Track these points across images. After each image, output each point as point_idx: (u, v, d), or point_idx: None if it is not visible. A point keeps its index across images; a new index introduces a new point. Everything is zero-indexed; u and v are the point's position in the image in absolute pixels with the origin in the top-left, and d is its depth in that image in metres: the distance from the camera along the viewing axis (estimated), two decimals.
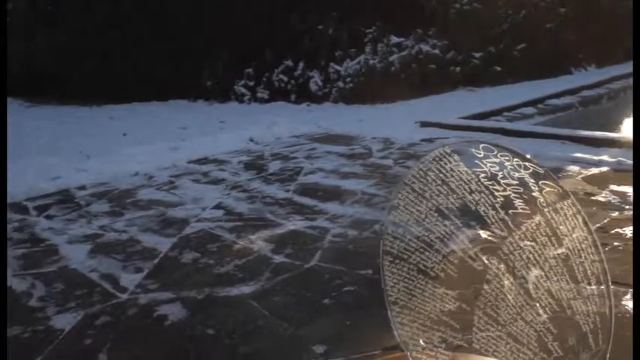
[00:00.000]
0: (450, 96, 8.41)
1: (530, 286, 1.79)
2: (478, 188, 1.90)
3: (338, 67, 8.59)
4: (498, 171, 1.82)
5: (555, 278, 1.73)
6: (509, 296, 1.84)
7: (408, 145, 5.57)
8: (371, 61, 8.39)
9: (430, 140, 5.60)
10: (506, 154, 1.80)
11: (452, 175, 1.96)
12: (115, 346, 2.47)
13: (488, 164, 1.84)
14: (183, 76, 9.15)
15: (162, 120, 7.97)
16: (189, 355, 2.38)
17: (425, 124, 6.29)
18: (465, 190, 1.94)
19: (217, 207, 4.21)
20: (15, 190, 4.87)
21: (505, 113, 6.76)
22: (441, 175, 1.99)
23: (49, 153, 6.20)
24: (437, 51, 8.56)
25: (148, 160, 5.65)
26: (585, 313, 1.65)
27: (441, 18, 8.71)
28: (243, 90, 8.99)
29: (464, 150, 1.91)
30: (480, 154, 1.86)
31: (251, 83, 9.03)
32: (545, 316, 1.75)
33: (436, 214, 2.07)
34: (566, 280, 1.70)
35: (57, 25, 9.76)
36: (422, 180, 2.05)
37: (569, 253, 1.71)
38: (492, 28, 8.98)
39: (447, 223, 2.06)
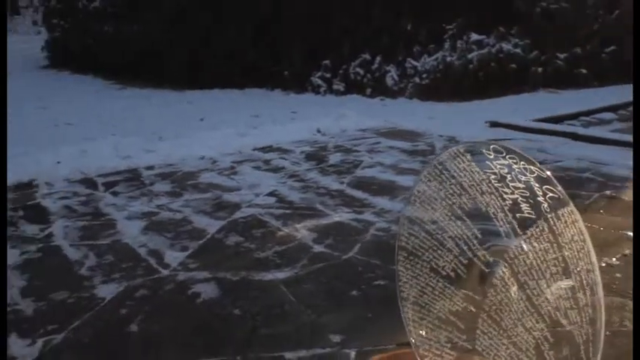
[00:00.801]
0: (529, 97, 8.16)
1: (532, 293, 1.75)
2: (489, 190, 1.88)
3: (415, 63, 8.52)
4: (507, 173, 1.80)
5: (552, 289, 1.69)
6: (512, 301, 1.81)
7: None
8: (448, 58, 8.26)
9: (496, 141, 5.47)
10: (514, 156, 1.77)
11: (465, 175, 1.95)
12: (147, 318, 2.61)
13: (498, 166, 1.82)
14: (263, 66, 9.34)
15: (238, 107, 8.18)
16: (213, 331, 2.48)
17: (494, 125, 6.15)
18: (477, 190, 1.93)
19: (271, 194, 4.31)
20: (89, 166, 5.18)
21: (582, 118, 6.49)
22: (455, 175, 1.98)
23: (128, 133, 6.52)
24: (519, 50, 8.31)
25: (216, 145, 5.83)
26: (580, 324, 1.61)
27: (526, 16, 8.45)
28: (319, 81, 9.08)
29: (477, 150, 1.89)
30: (491, 155, 1.84)
31: (327, 75, 9.10)
32: (543, 324, 1.71)
33: (449, 213, 2.06)
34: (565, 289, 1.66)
35: (152, 10, 10.20)
36: (437, 178, 2.04)
37: (568, 262, 1.67)
38: (580, 29, 8.62)
39: (459, 223, 2.04)
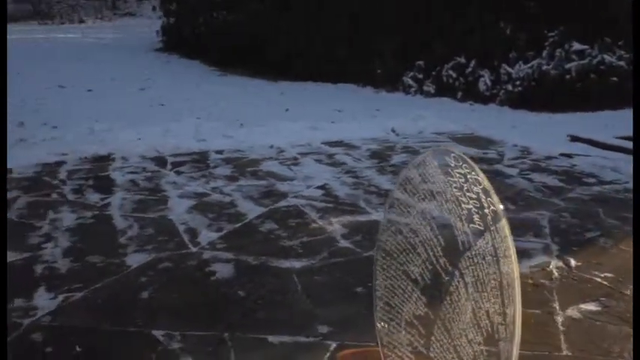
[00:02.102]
0: (627, 112, 7.68)
1: (475, 305, 1.74)
2: (451, 198, 1.88)
3: (509, 69, 8.27)
4: (464, 183, 1.80)
5: (492, 300, 1.67)
6: (462, 311, 1.81)
7: (544, 157, 5.28)
8: (544, 66, 7.95)
9: (569, 156, 5.25)
10: (468, 166, 1.77)
11: (433, 182, 1.96)
12: (160, 288, 2.80)
13: (457, 175, 1.82)
14: (357, 62, 9.43)
15: (325, 101, 8.32)
16: (213, 308, 2.62)
17: (575, 139, 5.88)
18: (443, 197, 1.93)
19: (321, 187, 4.40)
20: (165, 145, 5.52)
21: None
22: (426, 180, 2.00)
23: (213, 118, 6.85)
24: (622, 63, 7.85)
25: (289, 135, 6.00)
26: (505, 340, 1.59)
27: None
28: (410, 82, 9.04)
29: (442, 158, 1.90)
30: (452, 163, 1.84)
31: (420, 76, 9.03)
32: (481, 337, 1.70)
33: (421, 218, 2.07)
34: (499, 304, 1.64)
35: (258, 1, 10.55)
36: (411, 183, 2.06)
37: (503, 276, 1.65)
38: None
39: (428, 228, 2.05)
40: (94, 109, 7.00)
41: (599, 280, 2.94)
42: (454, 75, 8.74)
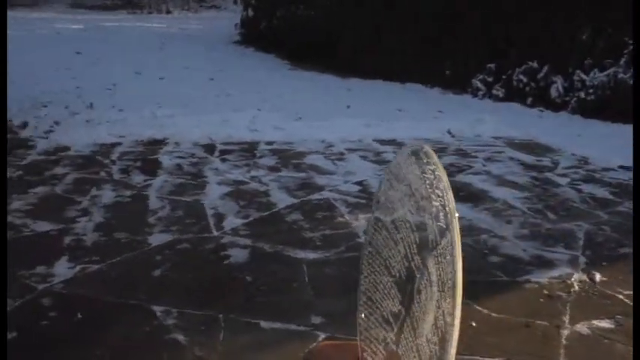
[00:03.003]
0: None
1: (437, 304, 1.71)
2: (425, 194, 1.84)
3: (584, 77, 7.92)
4: (433, 179, 1.76)
5: (448, 300, 1.64)
6: (427, 310, 1.78)
7: (601, 168, 5.05)
8: (620, 75, 7.57)
9: (627, 168, 4.99)
10: (435, 162, 1.73)
11: (412, 178, 1.93)
12: (172, 266, 2.91)
13: (428, 171, 1.79)
14: (427, 63, 9.31)
15: (388, 100, 8.26)
16: (216, 290, 2.69)
17: None
18: (419, 194, 1.90)
19: (358, 183, 4.40)
20: (219, 134, 5.67)
21: None
22: (406, 176, 1.97)
23: (273, 109, 6.95)
24: None
25: (342, 131, 6.03)
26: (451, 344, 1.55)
27: None
28: (479, 84, 8.83)
29: (417, 153, 1.87)
30: (424, 159, 1.81)
31: (489, 79, 8.81)
32: (437, 338, 1.67)
33: (403, 214, 2.05)
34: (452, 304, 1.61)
35: None
36: (396, 178, 2.04)
37: (457, 276, 1.61)
38: None
39: (408, 225, 2.03)
40: (162, 95, 7.27)
41: (620, 297, 2.80)
42: (525, 80, 8.46)
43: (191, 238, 3.25)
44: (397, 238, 2.07)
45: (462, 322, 2.47)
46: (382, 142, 5.78)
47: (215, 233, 3.35)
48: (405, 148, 1.97)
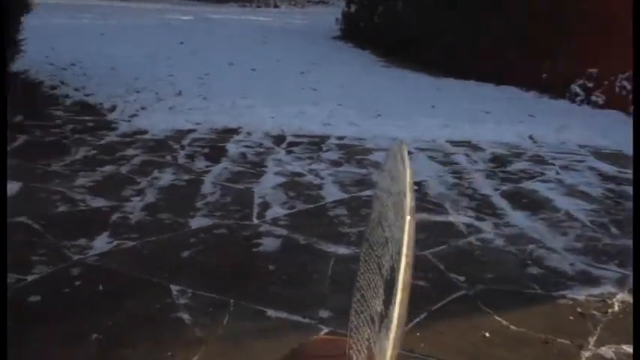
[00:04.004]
0: None
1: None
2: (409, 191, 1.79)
3: None
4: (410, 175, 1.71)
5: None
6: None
7: None
8: None
9: None
10: (402, 162, 1.68)
11: (399, 174, 1.89)
12: (203, 249, 3.01)
13: (408, 168, 1.74)
14: (525, 65, 8.95)
15: (478, 101, 8.01)
16: (238, 275, 2.76)
17: None
18: (404, 190, 1.85)
19: (416, 183, 4.31)
20: (291, 125, 5.75)
21: None
22: (397, 174, 1.92)
23: (353, 106, 6.93)
24: None
25: (417, 130, 5.93)
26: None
27: None
28: (578, 90, 8.36)
29: (403, 150, 1.82)
30: (407, 156, 1.76)
31: (590, 84, 8.32)
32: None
33: (395, 211, 2.00)
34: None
35: None
36: (390, 175, 2.00)
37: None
38: None
39: (398, 224, 1.97)
40: (249, 86, 7.45)
41: None
42: (629, 87, 7.92)
43: (230, 224, 3.34)
44: (387, 235, 2.04)
45: (473, 331, 2.40)
46: (455, 143, 5.63)
47: (255, 221, 3.42)
48: (395, 143, 1.92)
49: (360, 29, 12.09)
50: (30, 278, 2.60)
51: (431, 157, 5.07)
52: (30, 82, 6.80)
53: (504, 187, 4.37)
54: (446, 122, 6.34)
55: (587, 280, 2.96)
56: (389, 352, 1.44)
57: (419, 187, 4.24)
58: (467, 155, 5.22)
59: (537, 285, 2.88)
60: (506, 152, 5.43)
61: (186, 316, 2.38)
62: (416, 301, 2.56)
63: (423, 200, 3.98)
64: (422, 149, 5.33)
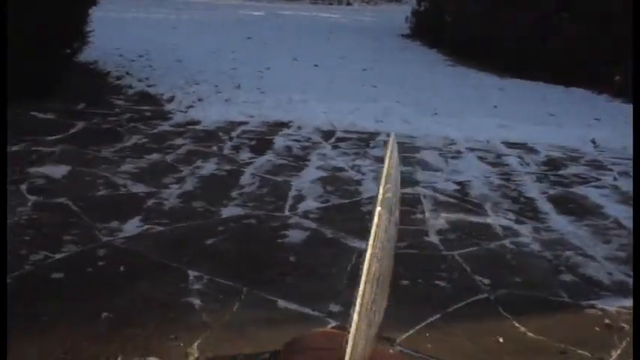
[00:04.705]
0: None
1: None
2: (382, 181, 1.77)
3: None
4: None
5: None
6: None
7: None
8: None
9: None
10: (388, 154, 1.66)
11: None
12: (228, 238, 3.05)
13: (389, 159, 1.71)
14: (597, 67, 8.58)
15: (545, 103, 7.73)
16: (257, 264, 2.78)
17: None
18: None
19: (459, 183, 4.22)
20: (343, 122, 5.74)
21: None
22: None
23: (408, 104, 6.84)
24: None
25: (472, 130, 5.79)
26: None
27: None
28: None
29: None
30: (392, 148, 1.74)
31: None
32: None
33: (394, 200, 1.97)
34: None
35: None
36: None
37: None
38: None
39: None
40: (308, 81, 7.49)
41: None
42: None
43: (260, 215, 3.36)
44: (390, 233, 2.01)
45: (486, 336, 2.32)
46: (510, 144, 5.46)
47: (286, 213, 3.43)
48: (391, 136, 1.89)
49: (430, 27, 11.91)
50: (58, 256, 2.70)
51: (480, 158, 4.93)
52: (98, 72, 7.08)
53: (553, 191, 4.20)
54: (504, 123, 6.17)
55: (623, 291, 2.81)
56: (348, 350, 1.42)
57: (461, 186, 4.15)
58: (520, 157, 5.05)
59: (566, 293, 2.76)
60: (563, 155, 5.22)
61: (197, 302, 2.41)
62: (431, 301, 2.53)
63: (463, 200, 3.88)
64: (473, 149, 5.20)
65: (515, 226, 3.50)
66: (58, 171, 3.83)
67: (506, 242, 3.27)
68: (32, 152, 4.19)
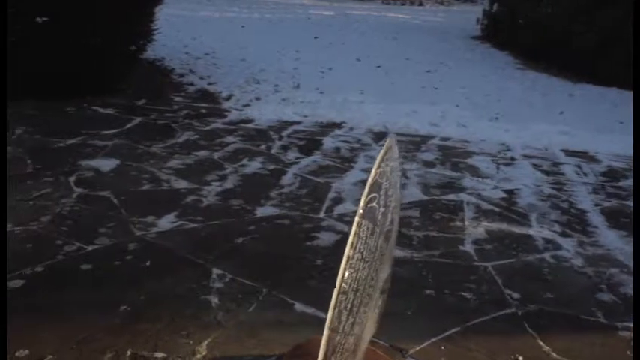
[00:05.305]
0: None
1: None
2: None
3: None
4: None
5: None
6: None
7: None
8: None
9: None
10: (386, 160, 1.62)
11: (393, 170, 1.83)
12: (258, 237, 3.07)
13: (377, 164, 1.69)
14: None
15: (616, 109, 7.39)
16: (280, 265, 2.79)
17: None
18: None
19: (508, 191, 4.09)
20: (397, 124, 5.68)
21: None
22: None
23: (467, 107, 6.68)
24: None
25: (531, 136, 5.62)
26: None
27: None
28: None
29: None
30: (385, 152, 1.71)
31: None
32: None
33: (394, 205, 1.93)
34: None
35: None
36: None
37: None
38: None
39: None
40: (368, 82, 7.44)
41: None
42: None
43: (295, 216, 3.37)
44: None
45: (505, 353, 2.23)
46: (570, 152, 5.24)
47: (321, 215, 3.42)
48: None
49: (501, 29, 11.59)
50: (90, 248, 2.80)
51: (535, 165, 4.76)
52: (163, 69, 7.28)
53: (607, 204, 4.00)
54: (566, 130, 5.94)
55: None
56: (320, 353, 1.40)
57: (509, 195, 4.02)
58: (577, 166, 4.84)
59: (602, 312, 2.62)
60: (625, 166, 4.97)
61: (215, 300, 2.44)
62: (453, 313, 2.46)
63: (508, 210, 3.76)
64: (529, 156, 5.02)
65: (559, 239, 3.35)
66: (108, 165, 3.96)
67: (546, 255, 3.13)
68: (87, 146, 4.35)
